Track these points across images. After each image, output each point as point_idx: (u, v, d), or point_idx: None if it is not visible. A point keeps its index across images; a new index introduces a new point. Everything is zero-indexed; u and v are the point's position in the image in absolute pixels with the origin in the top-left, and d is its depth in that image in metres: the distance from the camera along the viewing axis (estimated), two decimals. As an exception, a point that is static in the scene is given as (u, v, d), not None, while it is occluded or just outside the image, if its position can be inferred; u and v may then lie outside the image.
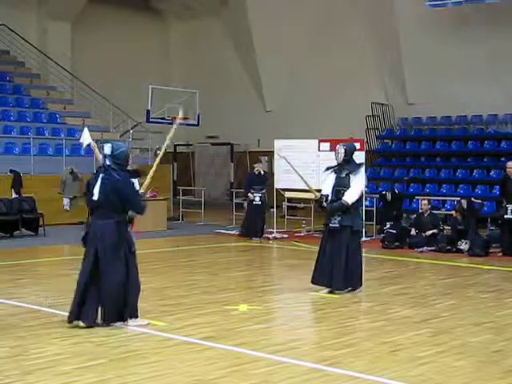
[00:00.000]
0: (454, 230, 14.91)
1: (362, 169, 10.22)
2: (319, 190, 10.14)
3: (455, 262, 13.54)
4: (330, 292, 9.83)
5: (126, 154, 7.86)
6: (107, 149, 7.77)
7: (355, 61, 24.96)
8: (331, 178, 9.97)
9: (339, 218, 9.73)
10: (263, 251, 15.56)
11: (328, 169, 10.16)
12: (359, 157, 16.31)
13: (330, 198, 9.87)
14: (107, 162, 7.75)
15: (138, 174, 8.32)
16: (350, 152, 9.95)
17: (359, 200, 10.10)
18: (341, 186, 9.79)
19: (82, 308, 7.63)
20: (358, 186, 9.88)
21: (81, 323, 7.62)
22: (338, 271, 9.75)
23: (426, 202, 15.63)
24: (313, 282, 9.94)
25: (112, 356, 6.75)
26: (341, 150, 9.92)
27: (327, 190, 9.94)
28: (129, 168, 8.03)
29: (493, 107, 22.04)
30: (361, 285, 10.04)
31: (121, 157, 7.77)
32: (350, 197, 9.73)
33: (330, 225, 9.83)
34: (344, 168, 9.86)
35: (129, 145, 22.63)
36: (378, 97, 24.46)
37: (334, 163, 10.05)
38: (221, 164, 29.91)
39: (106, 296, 7.60)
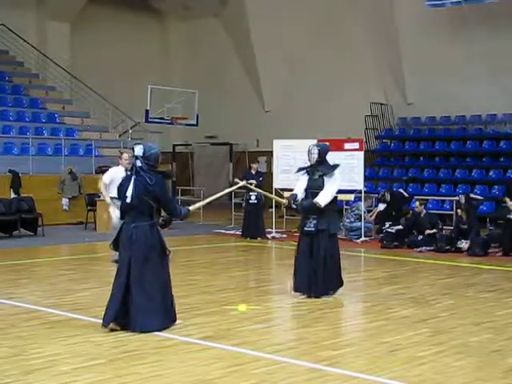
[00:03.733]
0: (457, 228, 14.90)
1: (337, 171, 9.71)
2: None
3: (454, 261, 13.54)
4: (309, 297, 9.50)
5: (157, 154, 7.72)
6: (138, 150, 7.62)
7: (354, 61, 24.96)
8: (303, 179, 9.66)
9: (314, 222, 9.43)
10: (262, 251, 15.56)
11: (300, 170, 9.85)
12: (358, 156, 16.53)
13: (300, 198, 9.55)
14: (138, 164, 7.59)
15: (170, 176, 8.24)
16: (323, 153, 9.60)
17: (335, 202, 9.80)
18: (314, 188, 9.48)
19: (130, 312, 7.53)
20: (332, 188, 9.51)
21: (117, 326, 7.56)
22: (317, 278, 9.47)
23: (417, 204, 15.60)
24: (295, 291, 9.62)
25: (111, 356, 6.74)
26: (314, 150, 9.57)
27: (298, 190, 9.62)
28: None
29: (492, 107, 22.04)
30: (341, 285, 9.77)
31: (152, 158, 7.64)
32: (323, 198, 9.39)
33: (305, 228, 9.53)
34: (317, 169, 9.54)
35: (127, 145, 22.67)
36: (377, 97, 24.47)
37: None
38: (220, 164, 29.91)
39: (139, 304, 7.47)
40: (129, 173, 7.77)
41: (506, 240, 14.31)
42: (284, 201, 10.07)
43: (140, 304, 7.47)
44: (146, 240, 7.52)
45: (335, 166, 9.67)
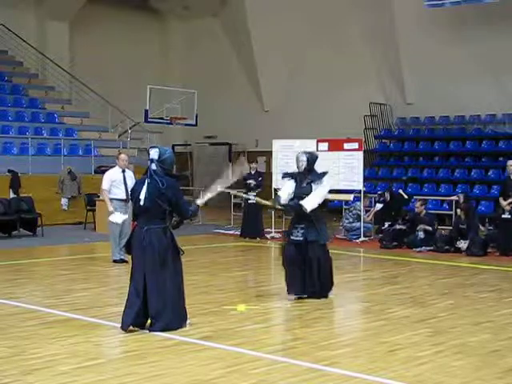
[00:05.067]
0: (456, 228, 14.91)
1: (326, 178, 9.53)
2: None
3: (453, 261, 13.54)
4: (300, 298, 9.48)
5: (172, 158, 7.78)
6: (154, 153, 7.66)
7: (354, 61, 24.96)
8: (289, 184, 9.49)
9: (302, 231, 9.27)
10: (261, 251, 15.56)
11: (286, 175, 9.70)
12: (357, 156, 16.54)
13: (284, 200, 9.40)
14: (153, 167, 7.63)
15: (183, 179, 8.23)
16: (312, 160, 9.45)
17: (323, 209, 9.63)
18: (302, 195, 9.30)
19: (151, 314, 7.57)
20: (320, 193, 9.33)
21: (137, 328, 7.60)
22: (311, 284, 9.40)
23: (418, 204, 15.61)
24: (289, 293, 9.54)
25: (110, 356, 6.75)
26: (303, 158, 9.42)
27: (283, 194, 9.47)
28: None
29: (491, 107, 22.05)
30: (331, 287, 9.65)
31: (167, 161, 7.68)
32: (310, 203, 9.20)
33: (292, 237, 9.37)
34: (305, 177, 9.37)
35: (127, 145, 22.69)
36: (377, 97, 24.48)
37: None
38: (219, 164, 29.87)
39: (156, 305, 7.51)
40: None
41: (501, 240, 14.32)
42: (269, 203, 9.97)
43: (157, 307, 7.50)
44: (160, 243, 7.53)
45: (324, 174, 9.53)
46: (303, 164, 9.42)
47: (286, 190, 9.50)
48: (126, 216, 12.18)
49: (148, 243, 7.51)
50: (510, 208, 14.18)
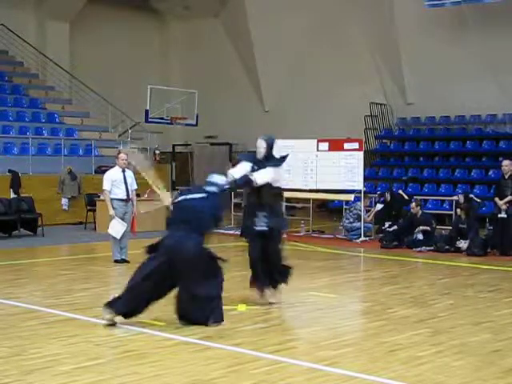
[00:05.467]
0: (456, 228, 14.91)
1: (283, 163, 9.33)
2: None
3: (454, 261, 13.54)
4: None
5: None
6: (215, 178, 8.29)
7: (354, 61, 24.97)
8: (245, 164, 9.13)
9: (266, 220, 9.06)
10: (262, 251, 15.51)
11: (243, 157, 9.49)
12: (358, 156, 16.52)
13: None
14: (212, 189, 8.13)
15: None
16: (270, 144, 9.17)
17: (280, 197, 9.55)
18: None
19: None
20: (272, 170, 9.04)
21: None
22: (277, 269, 9.31)
23: (413, 205, 15.62)
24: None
25: (111, 356, 6.74)
26: (262, 144, 9.15)
27: (237, 174, 9.00)
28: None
29: (491, 107, 22.06)
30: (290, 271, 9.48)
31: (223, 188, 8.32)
32: (259, 176, 8.92)
33: (257, 228, 9.12)
34: (264, 165, 9.06)
35: (127, 145, 22.69)
36: (377, 97, 24.48)
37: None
38: (219, 164, 29.84)
39: (183, 306, 7.78)
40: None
41: (498, 239, 14.32)
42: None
43: (183, 307, 7.81)
44: (194, 254, 7.67)
45: (283, 158, 9.35)
46: (262, 151, 9.17)
47: (240, 169, 9.12)
48: (125, 226, 12.20)
49: (179, 252, 7.62)
50: (507, 207, 14.20)
